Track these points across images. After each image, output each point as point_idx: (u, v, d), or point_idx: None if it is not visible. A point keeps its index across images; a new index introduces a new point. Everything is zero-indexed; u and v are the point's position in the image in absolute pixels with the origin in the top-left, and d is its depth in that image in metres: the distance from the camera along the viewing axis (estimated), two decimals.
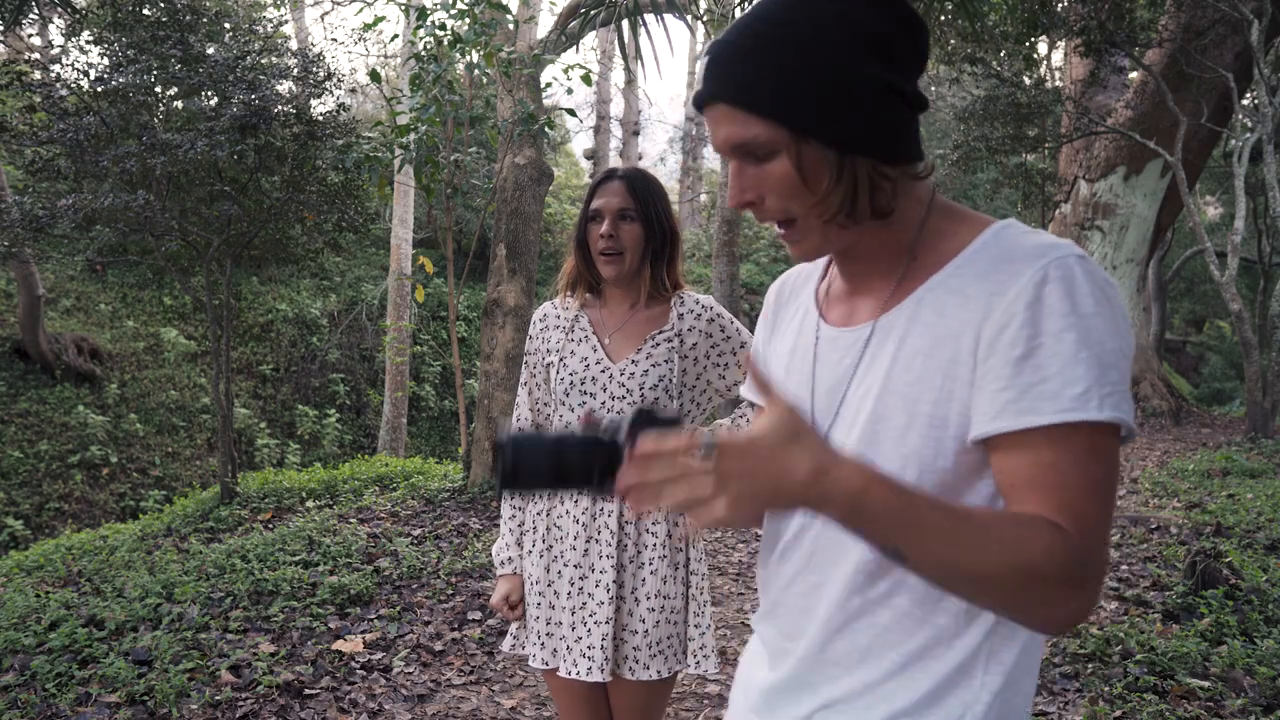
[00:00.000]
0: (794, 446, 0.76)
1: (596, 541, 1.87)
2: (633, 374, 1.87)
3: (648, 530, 1.87)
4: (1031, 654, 0.96)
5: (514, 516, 2.01)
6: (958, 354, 0.89)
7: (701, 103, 0.95)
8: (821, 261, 1.13)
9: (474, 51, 6.24)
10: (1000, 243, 0.93)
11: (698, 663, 1.91)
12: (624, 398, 1.87)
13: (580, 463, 0.87)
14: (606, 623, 1.84)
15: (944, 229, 0.97)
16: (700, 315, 1.91)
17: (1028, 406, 0.84)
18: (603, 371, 1.88)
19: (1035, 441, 0.84)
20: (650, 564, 1.86)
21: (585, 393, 1.88)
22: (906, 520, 0.78)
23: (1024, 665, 0.95)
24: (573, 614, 1.87)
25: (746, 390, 1.24)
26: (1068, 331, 0.83)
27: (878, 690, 0.96)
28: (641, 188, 1.89)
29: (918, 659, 0.94)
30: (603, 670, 1.83)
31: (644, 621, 1.85)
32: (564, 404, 1.91)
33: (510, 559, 1.99)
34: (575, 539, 1.88)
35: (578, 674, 1.84)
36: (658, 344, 1.89)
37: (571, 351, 1.91)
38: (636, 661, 1.85)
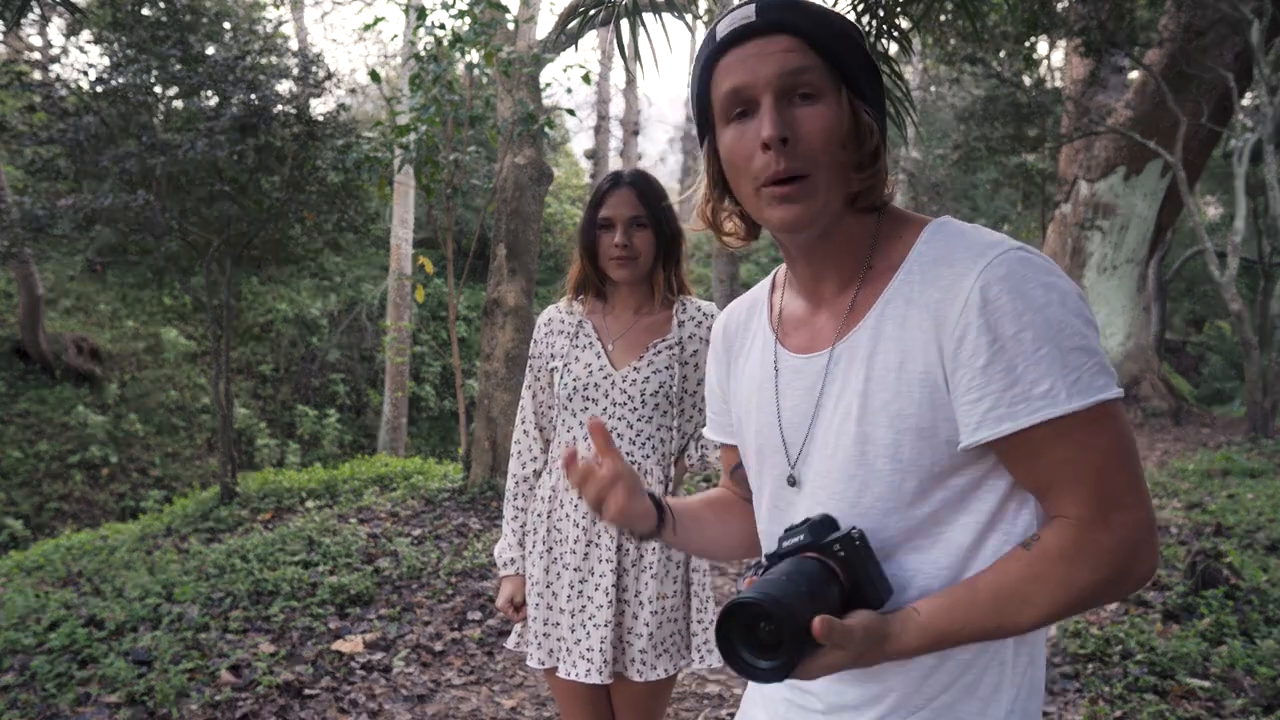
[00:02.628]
0: (869, 656, 0.89)
1: (596, 545, 1.88)
2: (634, 380, 1.89)
3: None
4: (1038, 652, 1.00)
5: (516, 518, 2.02)
6: (928, 365, 0.90)
7: (746, 35, 0.93)
8: (763, 293, 1.13)
9: (474, 51, 6.23)
10: (937, 245, 0.94)
11: (701, 658, 1.92)
12: (625, 404, 1.89)
13: (824, 594, 0.88)
14: (605, 625, 1.84)
15: (893, 234, 0.98)
16: (701, 323, 1.94)
17: (1004, 413, 0.86)
18: (605, 378, 1.90)
19: (1032, 442, 0.87)
20: (651, 567, 1.87)
21: (588, 398, 1.90)
22: (964, 635, 0.90)
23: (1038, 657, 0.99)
24: (572, 616, 1.88)
25: (710, 431, 1.24)
26: (1024, 330, 0.86)
27: (921, 690, 0.97)
28: (649, 193, 1.92)
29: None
30: (601, 673, 1.83)
31: (647, 624, 1.86)
32: (567, 408, 1.93)
33: (513, 560, 2.00)
34: (575, 542, 1.89)
35: (576, 675, 1.85)
36: (659, 351, 1.91)
37: (576, 357, 1.93)
38: (644, 663, 1.86)
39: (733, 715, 3.08)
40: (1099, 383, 0.86)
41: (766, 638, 0.81)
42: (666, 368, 1.90)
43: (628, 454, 1.90)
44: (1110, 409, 0.87)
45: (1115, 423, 0.88)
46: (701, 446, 1.97)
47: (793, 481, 1.02)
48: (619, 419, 1.89)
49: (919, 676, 0.95)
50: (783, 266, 1.11)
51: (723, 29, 0.95)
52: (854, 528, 0.91)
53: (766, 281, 1.14)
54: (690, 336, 1.93)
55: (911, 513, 0.93)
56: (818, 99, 0.92)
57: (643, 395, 1.88)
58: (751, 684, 1.16)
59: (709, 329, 1.93)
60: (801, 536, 0.92)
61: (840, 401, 0.96)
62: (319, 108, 7.25)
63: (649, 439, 1.90)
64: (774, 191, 0.93)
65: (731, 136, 0.96)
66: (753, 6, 0.94)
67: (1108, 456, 0.87)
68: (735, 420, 1.15)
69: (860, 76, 0.94)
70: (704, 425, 2.01)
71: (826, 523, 0.93)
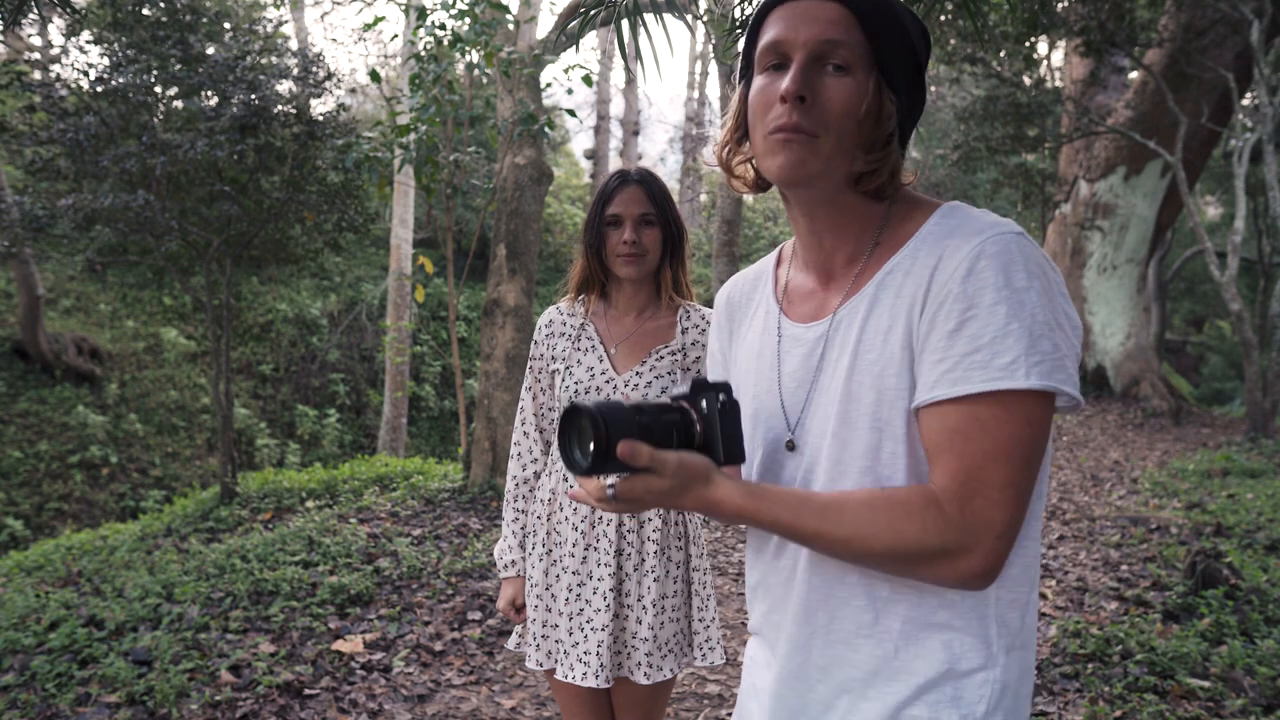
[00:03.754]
0: (680, 496, 0.92)
1: (595, 549, 1.88)
2: (636, 385, 1.89)
3: (649, 539, 1.88)
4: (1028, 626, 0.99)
5: (516, 519, 2.02)
6: (909, 327, 0.93)
7: None
8: (769, 266, 1.16)
9: (474, 51, 6.23)
10: (946, 223, 0.96)
11: (704, 655, 1.92)
12: None
13: (663, 434, 0.94)
14: (603, 629, 1.84)
15: (904, 214, 1.01)
16: (704, 330, 1.94)
17: (960, 376, 0.88)
18: (607, 382, 1.90)
19: (956, 408, 0.89)
20: (653, 571, 1.87)
21: None
22: (782, 526, 0.92)
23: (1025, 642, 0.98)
24: (570, 619, 1.88)
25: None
26: (999, 304, 0.88)
27: (888, 667, 0.98)
28: (657, 192, 1.93)
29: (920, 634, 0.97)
30: (598, 676, 1.83)
31: (651, 627, 1.86)
32: None
33: (514, 561, 2.00)
34: (574, 546, 1.88)
35: (573, 678, 1.85)
36: (662, 357, 1.91)
37: (578, 360, 1.93)
38: (650, 665, 1.86)
39: (732, 715, 3.09)
40: (1057, 376, 0.87)
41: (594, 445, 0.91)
42: (669, 373, 1.90)
43: None
44: (1045, 408, 0.88)
45: (1040, 422, 0.88)
46: None
47: (792, 446, 1.04)
48: None
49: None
50: (790, 240, 1.14)
51: None
52: (726, 394, 0.97)
53: (772, 255, 1.17)
54: (693, 343, 1.93)
55: (883, 473, 0.95)
56: (848, 73, 0.94)
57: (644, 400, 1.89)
58: (743, 679, 1.17)
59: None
60: (688, 388, 0.98)
61: (837, 365, 0.99)
62: (319, 108, 7.25)
63: None
64: (780, 136, 0.96)
65: (760, 84, 0.99)
66: None
67: (1001, 447, 0.87)
68: (735, 388, 1.17)
69: (897, 66, 0.96)
70: None
71: (715, 386, 0.98)
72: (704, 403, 0.98)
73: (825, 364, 1.00)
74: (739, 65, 1.07)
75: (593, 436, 0.90)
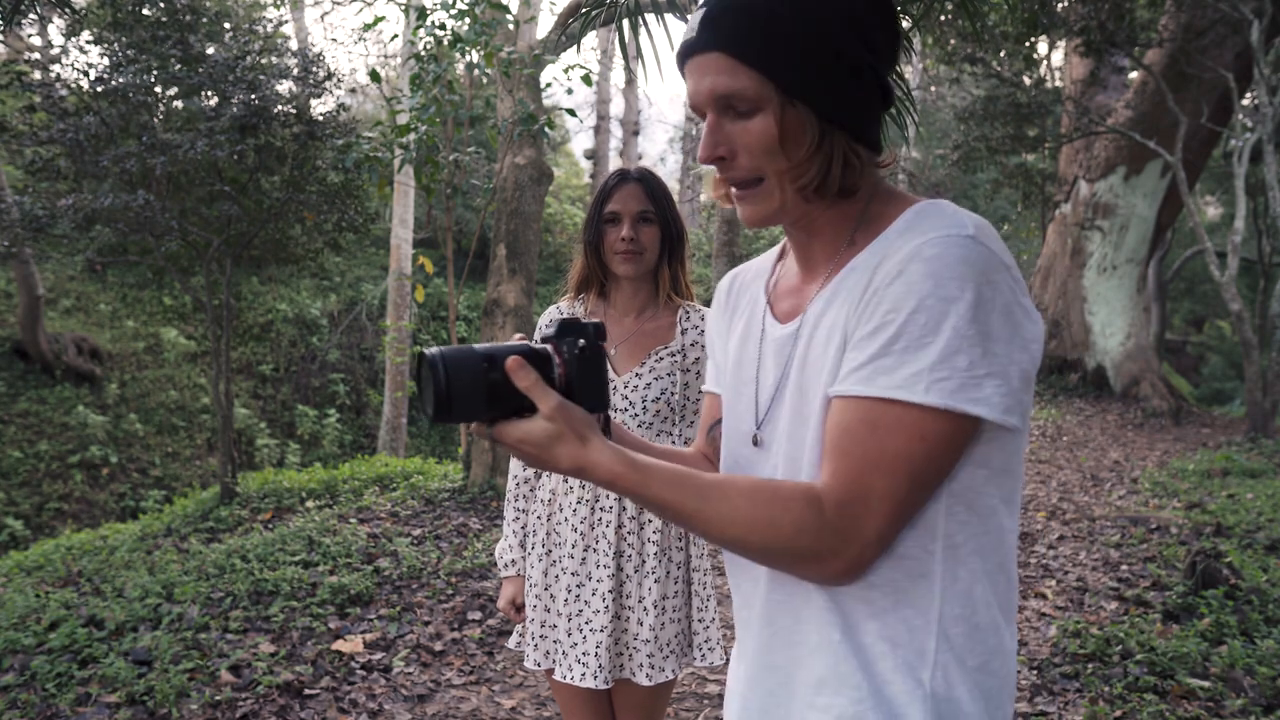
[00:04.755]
0: (556, 445, 0.89)
1: (594, 550, 1.88)
2: (636, 386, 1.89)
3: (649, 540, 1.88)
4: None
5: (517, 519, 2.02)
6: (847, 325, 0.92)
7: (689, 52, 0.95)
8: (770, 260, 1.16)
9: (474, 51, 6.23)
10: (910, 220, 0.94)
11: (704, 655, 1.92)
12: (627, 409, 1.89)
13: (512, 388, 0.89)
14: (602, 630, 1.84)
15: (881, 212, 0.98)
16: (704, 330, 1.94)
17: (865, 376, 0.87)
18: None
19: (856, 407, 0.87)
20: (654, 572, 1.87)
21: None
22: (659, 503, 0.89)
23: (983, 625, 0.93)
24: (569, 620, 1.88)
25: (709, 382, 1.26)
26: (919, 313, 0.84)
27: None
28: (657, 190, 1.93)
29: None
30: (596, 677, 1.83)
31: (652, 628, 1.86)
32: None
33: (514, 561, 2.00)
34: (573, 547, 1.88)
35: (572, 679, 1.85)
36: (661, 358, 1.91)
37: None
38: (651, 666, 1.86)
39: None
40: (966, 395, 0.83)
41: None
42: (668, 374, 1.90)
43: None
44: (945, 426, 0.84)
45: (935, 441, 0.84)
46: None
47: (757, 441, 1.04)
48: (621, 424, 1.88)
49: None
50: None
51: (679, 41, 0.98)
52: (590, 342, 0.94)
53: (776, 249, 1.17)
54: (693, 344, 1.93)
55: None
56: (752, 113, 0.93)
57: (644, 401, 1.88)
58: (729, 675, 1.17)
59: None
60: (554, 330, 0.95)
61: (800, 363, 0.99)
62: (319, 108, 7.25)
63: None
64: (735, 193, 0.98)
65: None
66: (698, 17, 0.95)
67: (887, 458, 0.84)
68: (723, 377, 1.17)
69: (807, 80, 0.92)
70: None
71: (579, 328, 0.95)
72: (564, 346, 0.94)
73: (792, 362, 1.00)
74: None
75: (433, 384, 0.87)
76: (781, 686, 1.00)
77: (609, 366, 1.90)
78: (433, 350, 0.89)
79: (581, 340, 0.94)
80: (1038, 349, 0.88)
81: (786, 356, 1.01)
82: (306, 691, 3.31)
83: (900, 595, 0.91)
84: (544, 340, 0.96)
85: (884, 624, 0.92)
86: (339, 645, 3.69)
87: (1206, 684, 3.19)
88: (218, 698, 3.16)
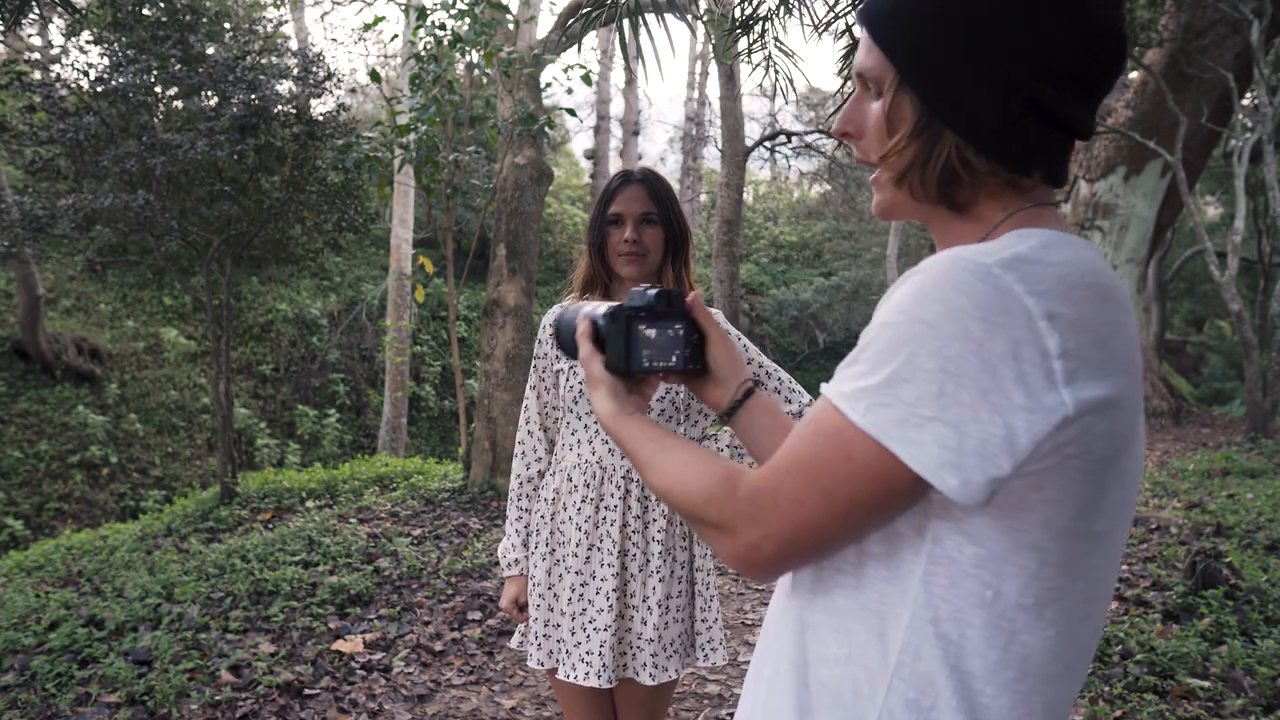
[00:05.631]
0: (590, 389, 1.08)
1: (598, 549, 1.88)
2: None
3: (654, 539, 1.88)
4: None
5: (520, 518, 2.02)
6: None
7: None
8: None
9: (474, 51, 6.23)
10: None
11: (706, 655, 1.92)
12: None
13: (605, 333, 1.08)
14: (606, 630, 1.84)
15: (1002, 228, 0.87)
16: None
17: (836, 378, 0.82)
18: None
19: (816, 405, 0.83)
20: (658, 571, 1.87)
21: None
22: (629, 450, 1.01)
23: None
24: (573, 619, 1.88)
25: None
26: (889, 327, 0.76)
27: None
28: (660, 191, 1.92)
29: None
30: (600, 676, 1.83)
31: (656, 627, 1.86)
32: (572, 411, 1.92)
33: (517, 560, 2.00)
34: (577, 546, 1.88)
35: (576, 678, 1.85)
36: None
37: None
38: (655, 666, 1.86)
39: (733, 715, 3.08)
40: (901, 433, 0.73)
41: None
42: None
43: None
44: (872, 453, 0.75)
45: (851, 462, 0.76)
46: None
47: None
48: None
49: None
50: None
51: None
52: (623, 310, 1.06)
53: None
54: (739, 374, 1.92)
55: None
56: (880, 96, 0.91)
57: (648, 400, 1.88)
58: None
59: None
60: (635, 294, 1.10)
61: None
62: (319, 108, 7.25)
63: None
64: (872, 180, 0.97)
65: None
66: None
67: (811, 463, 0.79)
68: None
69: (925, 73, 0.85)
70: (708, 431, 2.01)
71: (643, 303, 1.08)
72: (608, 313, 1.09)
73: None
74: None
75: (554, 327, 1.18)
76: (760, 705, 0.95)
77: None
78: (558, 306, 1.15)
79: (628, 310, 1.07)
80: (1044, 426, 0.71)
81: None
82: (306, 691, 3.31)
83: (853, 650, 0.83)
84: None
85: (833, 674, 0.84)
86: (339, 645, 3.69)
87: (1206, 684, 3.19)
88: (218, 698, 3.17)
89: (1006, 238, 0.80)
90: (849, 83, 4.16)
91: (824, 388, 0.83)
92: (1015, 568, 0.76)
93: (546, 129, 6.23)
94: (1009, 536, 0.76)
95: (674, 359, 1.08)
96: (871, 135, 0.92)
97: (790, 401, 1.94)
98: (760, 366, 1.95)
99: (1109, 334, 0.75)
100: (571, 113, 6.41)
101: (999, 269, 0.73)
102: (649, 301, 1.07)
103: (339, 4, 17.30)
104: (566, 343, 1.15)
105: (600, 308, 1.09)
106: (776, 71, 4.60)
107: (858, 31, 0.95)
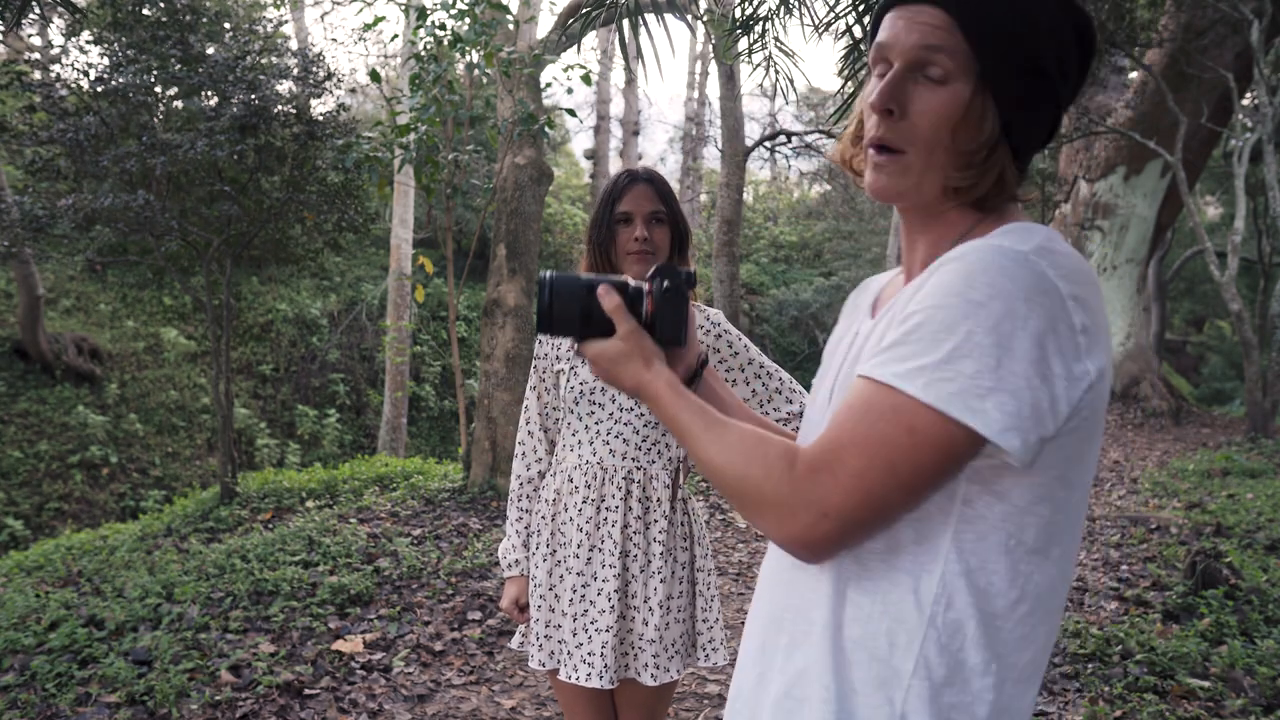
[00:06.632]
0: (624, 363, 1.04)
1: (599, 550, 1.88)
2: None
3: (655, 540, 1.88)
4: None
5: (520, 519, 2.01)
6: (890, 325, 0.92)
7: None
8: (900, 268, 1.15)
9: (474, 51, 6.23)
10: (990, 235, 0.92)
11: (707, 655, 1.93)
12: (632, 409, 1.89)
13: (603, 313, 1.05)
14: (608, 630, 1.84)
15: (987, 226, 0.95)
16: (709, 330, 1.93)
17: (880, 362, 0.86)
18: None
19: (861, 385, 0.87)
20: (659, 572, 1.87)
21: (594, 403, 1.90)
22: (681, 429, 0.97)
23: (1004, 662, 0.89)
24: (574, 620, 1.88)
25: None
26: (940, 309, 0.83)
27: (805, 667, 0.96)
28: (665, 190, 1.94)
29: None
30: (602, 677, 1.83)
31: (657, 628, 1.86)
32: (573, 412, 1.92)
33: (517, 561, 2.00)
34: (578, 547, 1.88)
35: (577, 679, 1.85)
36: None
37: (582, 361, 1.92)
38: (656, 666, 1.86)
39: None
40: (965, 404, 0.80)
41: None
42: None
43: (633, 459, 1.89)
44: (937, 426, 0.81)
45: (914, 436, 0.82)
46: None
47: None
48: (625, 424, 1.89)
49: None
50: None
51: None
52: (675, 283, 1.07)
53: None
54: (698, 343, 1.92)
55: None
56: (945, 84, 0.90)
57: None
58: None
59: (716, 336, 1.93)
60: (652, 271, 1.09)
61: (856, 358, 1.00)
62: (319, 108, 7.25)
63: (655, 444, 1.90)
64: (871, 156, 0.95)
65: (870, 87, 0.97)
66: None
67: (870, 440, 0.83)
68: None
69: (1008, 73, 0.90)
70: None
71: (669, 272, 1.08)
72: (654, 285, 1.07)
73: (859, 354, 1.01)
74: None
75: (538, 301, 1.04)
76: (776, 670, 0.98)
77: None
78: (547, 272, 1.05)
79: (668, 281, 1.07)
80: (1076, 392, 0.82)
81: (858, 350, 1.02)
82: (306, 691, 3.31)
83: (888, 606, 0.89)
84: (645, 279, 1.09)
85: (867, 631, 0.89)
86: (339, 645, 3.69)
87: (1206, 684, 3.19)
88: (218, 698, 3.17)
89: (1016, 232, 0.88)
90: (849, 82, 4.16)
91: (865, 371, 0.87)
92: (1034, 517, 0.86)
93: (546, 129, 6.23)
94: (1031, 491, 0.86)
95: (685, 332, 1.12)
96: (929, 121, 0.90)
97: (791, 401, 1.94)
98: (761, 366, 1.95)
99: (1102, 314, 0.87)
100: (571, 113, 6.41)
101: (1034, 256, 0.83)
102: (688, 276, 1.08)
103: (339, 4, 17.29)
104: (571, 317, 1.06)
105: (601, 279, 1.07)
106: (776, 71, 4.60)
107: (922, 10, 0.92)
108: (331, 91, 7.12)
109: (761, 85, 26.71)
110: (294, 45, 9.29)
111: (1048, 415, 0.81)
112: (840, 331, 1.15)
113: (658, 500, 1.89)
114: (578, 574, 1.88)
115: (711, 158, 23.91)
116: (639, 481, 1.88)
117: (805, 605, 0.96)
